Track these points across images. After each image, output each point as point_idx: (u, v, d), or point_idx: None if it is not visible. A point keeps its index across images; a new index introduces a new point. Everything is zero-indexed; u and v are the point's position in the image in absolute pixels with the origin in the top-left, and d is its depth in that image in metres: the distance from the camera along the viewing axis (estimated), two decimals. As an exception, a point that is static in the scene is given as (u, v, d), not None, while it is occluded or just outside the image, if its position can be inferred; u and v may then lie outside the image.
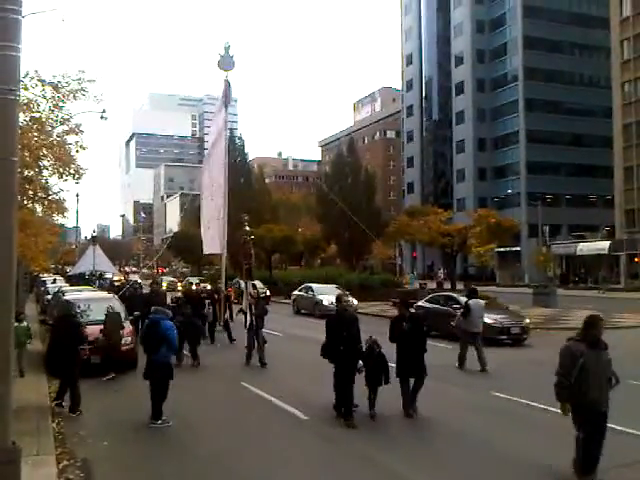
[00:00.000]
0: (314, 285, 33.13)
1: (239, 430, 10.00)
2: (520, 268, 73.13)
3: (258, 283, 31.61)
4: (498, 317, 20.10)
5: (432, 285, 44.78)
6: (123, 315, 15.74)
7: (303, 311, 32.30)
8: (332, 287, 31.52)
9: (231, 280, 40.13)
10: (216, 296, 20.52)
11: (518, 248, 72.03)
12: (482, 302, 16.27)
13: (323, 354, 10.50)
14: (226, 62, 20.09)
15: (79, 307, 14.54)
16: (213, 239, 21.25)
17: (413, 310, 11.39)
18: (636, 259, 59.29)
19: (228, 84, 20.25)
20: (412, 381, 10.63)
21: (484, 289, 44.02)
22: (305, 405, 11.24)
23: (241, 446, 9.06)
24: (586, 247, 63.78)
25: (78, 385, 10.95)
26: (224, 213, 20.88)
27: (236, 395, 12.79)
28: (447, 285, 43.59)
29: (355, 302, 30.88)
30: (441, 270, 66.95)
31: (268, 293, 37.01)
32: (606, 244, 61.43)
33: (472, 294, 16.27)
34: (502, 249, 62.97)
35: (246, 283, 17.62)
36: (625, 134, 61.01)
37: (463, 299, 21.10)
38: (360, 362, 10.25)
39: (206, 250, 22.80)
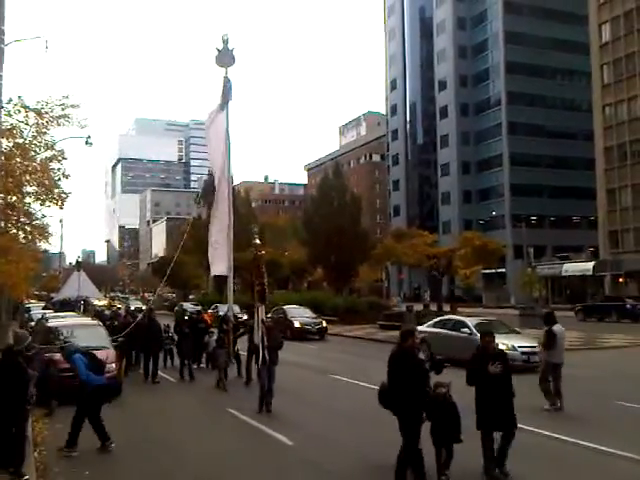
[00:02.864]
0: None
1: (223, 456, 9.88)
2: (506, 289, 73.41)
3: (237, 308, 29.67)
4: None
5: (419, 307, 44.76)
6: (106, 342, 15.56)
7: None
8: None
9: (208, 306, 39.44)
10: (224, 326, 18.38)
11: (503, 270, 72.41)
12: (563, 329, 13.87)
13: (384, 402, 8.24)
14: (225, 57, 17.59)
15: (62, 334, 14.39)
16: (221, 259, 18.72)
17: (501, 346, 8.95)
18: (620, 279, 59.76)
19: (228, 81, 17.66)
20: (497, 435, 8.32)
21: (470, 311, 44.13)
22: (290, 430, 11.12)
23: (224, 472, 8.94)
24: (571, 268, 64.24)
25: (24, 442, 8.80)
26: (230, 230, 18.39)
27: (220, 420, 12.65)
28: (433, 307, 43.62)
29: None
30: (427, 292, 67.03)
31: (245, 317, 36.89)
32: (590, 265, 61.91)
33: (551, 319, 13.69)
34: (488, 271, 63.28)
35: (257, 308, 14.99)
36: (607, 156, 61.89)
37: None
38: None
39: (214, 271, 19.98)
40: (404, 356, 7.92)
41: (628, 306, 41.00)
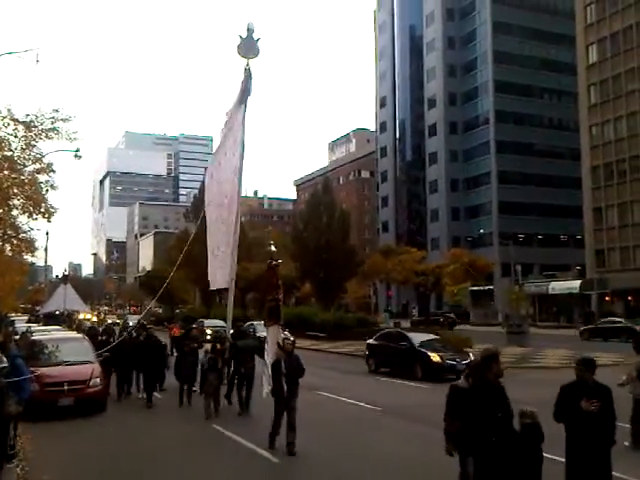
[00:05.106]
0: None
1: (207, 473, 9.78)
2: (493, 307, 73.56)
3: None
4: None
5: (406, 324, 44.78)
6: (91, 356, 15.41)
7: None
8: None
9: (193, 320, 38.50)
10: (218, 345, 15.92)
11: (491, 287, 72.60)
12: None
13: (458, 446, 6.87)
14: (248, 47, 15.50)
15: (47, 347, 14.27)
16: (222, 270, 16.31)
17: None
18: (607, 298, 60.08)
19: (249, 75, 15.54)
20: None
21: (458, 328, 44.19)
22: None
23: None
24: (558, 286, 64.51)
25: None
26: (235, 238, 15.70)
27: (204, 436, 12.52)
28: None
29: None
30: (415, 309, 67.08)
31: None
32: (577, 283, 62.21)
33: None
34: (475, 288, 63.44)
35: (267, 328, 12.76)
36: (593, 176, 62.49)
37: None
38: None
39: (213, 285, 17.32)
40: (488, 389, 6.22)
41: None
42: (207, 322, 38.37)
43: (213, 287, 17.77)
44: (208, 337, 25.29)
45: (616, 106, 60.39)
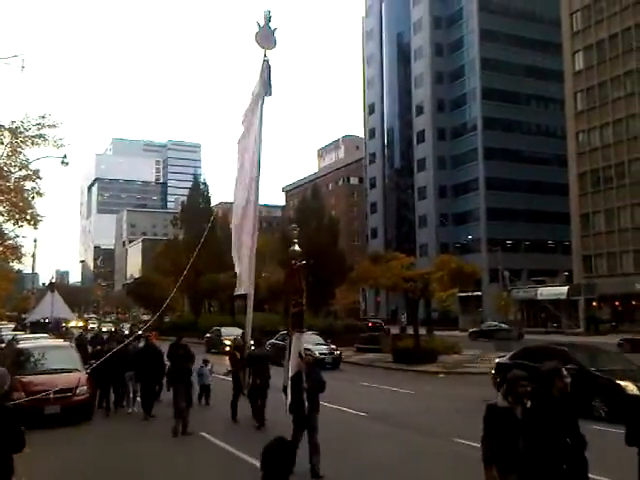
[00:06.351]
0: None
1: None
2: (482, 313, 73.75)
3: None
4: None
5: (395, 330, 44.78)
6: (78, 364, 15.28)
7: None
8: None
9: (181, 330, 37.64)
10: (237, 354, 14.99)
11: (479, 293, 72.81)
12: None
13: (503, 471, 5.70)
14: (266, 37, 14.25)
15: (33, 355, 14.15)
16: (241, 275, 15.18)
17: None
18: (594, 303, 60.46)
19: (268, 67, 14.24)
20: None
21: (446, 334, 44.23)
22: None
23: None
24: (546, 292, 64.82)
25: None
26: (254, 242, 14.78)
27: (191, 444, 12.42)
28: (410, 330, 43.62)
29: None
30: (404, 315, 67.08)
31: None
32: (565, 289, 62.53)
33: None
34: (464, 294, 63.55)
35: (290, 336, 11.50)
36: (580, 182, 62.94)
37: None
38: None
39: (236, 291, 15.86)
40: (554, 407, 5.39)
41: None
42: (224, 330, 37.16)
43: (236, 293, 16.47)
44: (227, 348, 23.57)
45: (602, 113, 60.92)
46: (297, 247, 12.38)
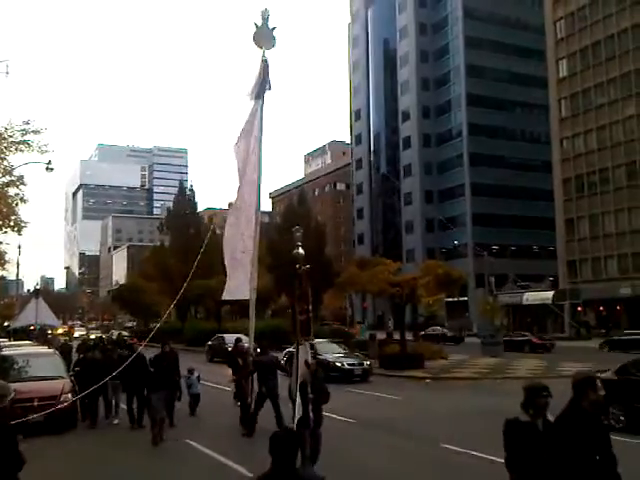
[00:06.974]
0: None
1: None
2: (468, 318, 73.99)
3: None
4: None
5: (382, 335, 44.76)
6: (62, 371, 15.13)
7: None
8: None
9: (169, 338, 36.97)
10: (240, 361, 14.29)
11: (466, 298, 73.06)
12: None
13: None
14: (264, 36, 14.22)
15: (17, 363, 14.00)
16: (238, 280, 14.56)
17: None
18: (579, 308, 60.86)
19: (267, 65, 14.25)
20: None
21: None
22: (249, 460, 10.80)
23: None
24: (531, 297, 65.16)
25: None
26: (254, 243, 14.20)
27: (177, 451, 12.33)
28: (397, 335, 43.66)
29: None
30: (391, 320, 67.16)
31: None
32: (550, 294, 62.90)
33: None
34: (450, 299, 63.79)
35: (298, 344, 10.88)
36: (565, 188, 63.45)
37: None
38: None
39: (225, 295, 14.85)
40: (584, 422, 4.95)
41: None
42: (228, 337, 36.49)
43: (224, 297, 15.26)
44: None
45: (586, 119, 61.49)
46: (301, 250, 11.84)
